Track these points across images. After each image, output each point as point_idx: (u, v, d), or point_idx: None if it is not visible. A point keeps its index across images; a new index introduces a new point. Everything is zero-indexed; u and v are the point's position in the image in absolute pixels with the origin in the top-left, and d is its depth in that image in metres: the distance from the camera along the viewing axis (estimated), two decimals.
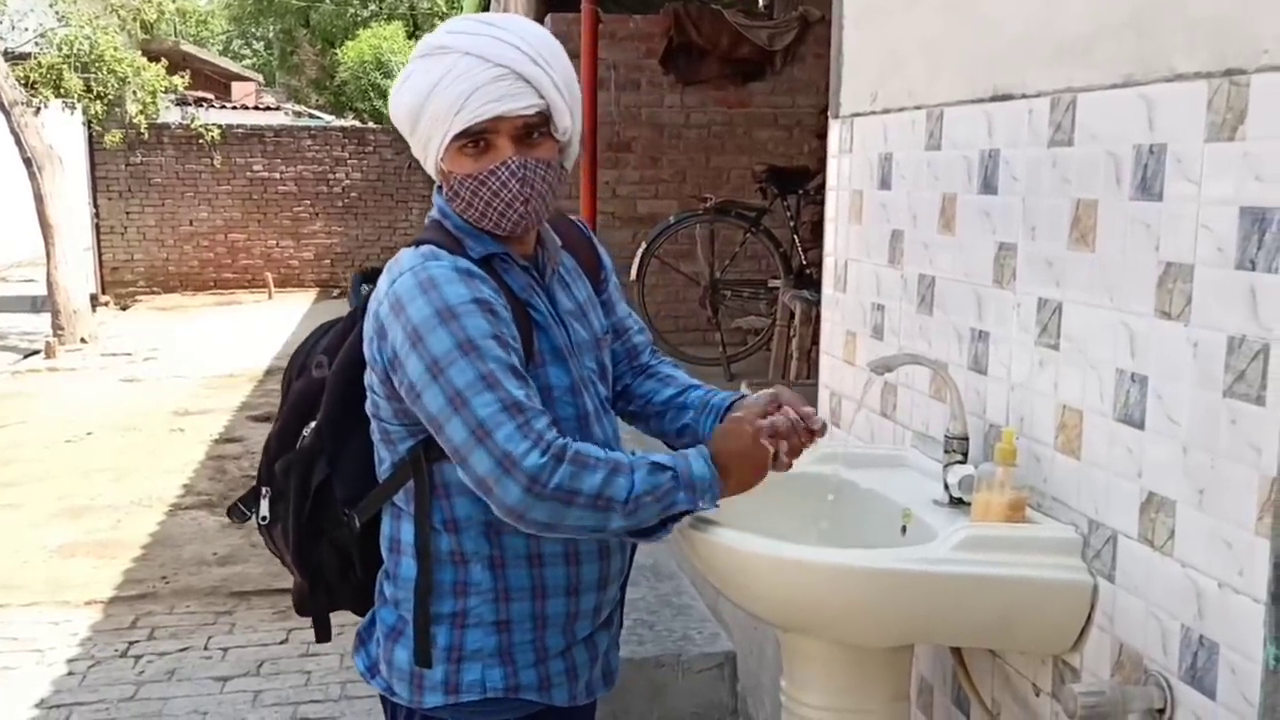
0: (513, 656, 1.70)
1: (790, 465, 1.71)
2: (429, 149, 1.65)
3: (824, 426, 1.74)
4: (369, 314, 1.66)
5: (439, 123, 1.61)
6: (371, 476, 1.74)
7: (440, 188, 1.72)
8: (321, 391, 1.77)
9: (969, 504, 1.90)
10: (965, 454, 1.97)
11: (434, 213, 1.73)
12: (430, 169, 1.69)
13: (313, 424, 1.79)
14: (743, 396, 1.85)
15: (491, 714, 1.72)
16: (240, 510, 1.88)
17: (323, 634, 1.90)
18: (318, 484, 1.77)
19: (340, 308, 1.88)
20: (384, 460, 1.71)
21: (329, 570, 1.83)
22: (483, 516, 1.65)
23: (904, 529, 1.98)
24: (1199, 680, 1.52)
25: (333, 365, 1.77)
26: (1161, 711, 1.58)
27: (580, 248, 1.88)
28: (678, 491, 1.59)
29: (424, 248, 1.64)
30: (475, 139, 1.61)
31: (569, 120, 1.67)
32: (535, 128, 1.63)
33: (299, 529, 1.79)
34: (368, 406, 1.70)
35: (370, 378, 1.66)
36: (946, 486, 1.96)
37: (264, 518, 1.83)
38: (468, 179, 1.63)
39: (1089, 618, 1.76)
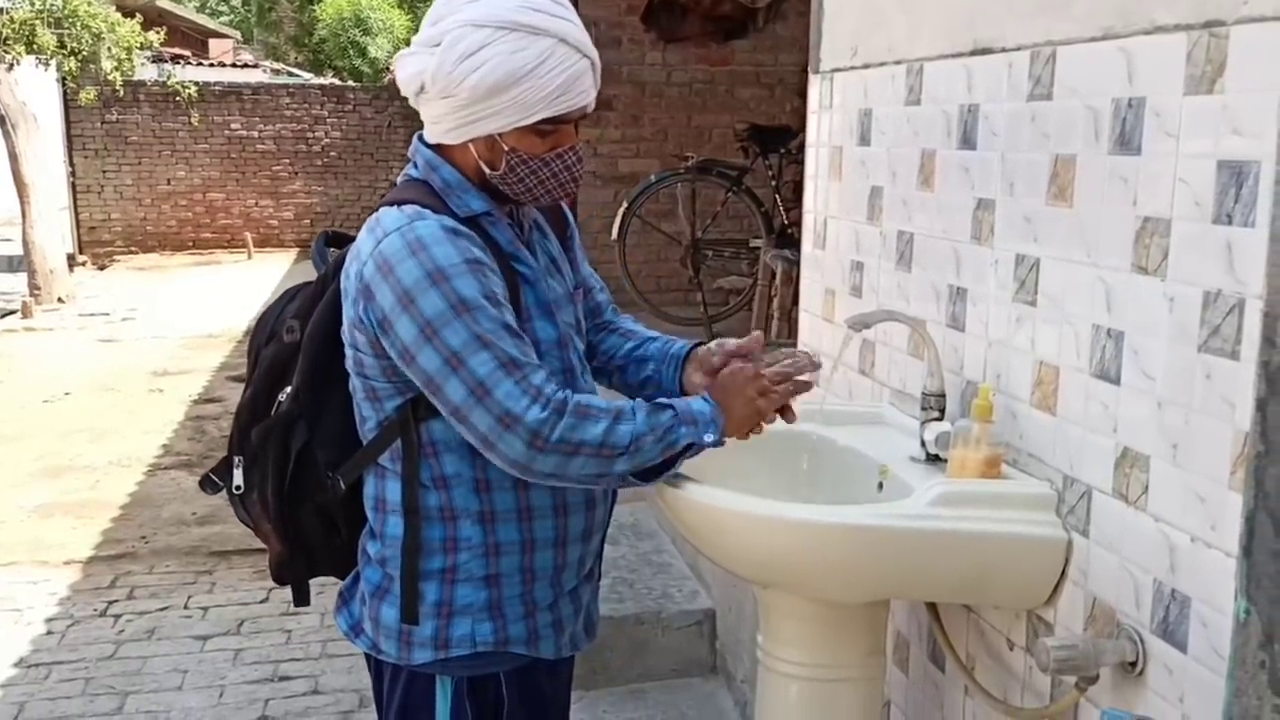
0: (502, 610, 1.71)
1: (789, 400, 1.77)
2: (487, 121, 1.62)
3: (817, 363, 1.80)
4: (349, 274, 1.64)
5: (531, 105, 1.60)
6: (353, 439, 1.73)
7: (424, 142, 1.70)
8: (294, 357, 1.75)
9: (946, 460, 1.90)
10: (942, 411, 1.98)
11: (415, 170, 1.71)
12: (460, 134, 1.65)
13: (288, 389, 1.76)
14: (700, 343, 1.89)
15: (480, 668, 1.73)
16: (212, 481, 1.86)
17: (302, 599, 1.90)
18: (298, 449, 1.76)
19: None
20: (368, 419, 1.70)
21: (311, 535, 1.82)
22: (472, 473, 1.66)
23: (881, 485, 1.99)
24: (1170, 633, 1.53)
25: (306, 330, 1.74)
26: (1133, 664, 1.59)
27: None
28: (680, 427, 1.64)
29: (408, 208, 1.62)
30: (555, 123, 1.63)
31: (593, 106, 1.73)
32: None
33: (280, 496, 1.77)
34: (349, 364, 1.69)
35: (354, 336, 1.65)
36: (923, 443, 1.96)
37: (238, 487, 1.81)
38: (532, 159, 1.64)
39: (1063, 572, 1.77)
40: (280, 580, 1.88)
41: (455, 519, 1.69)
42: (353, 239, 1.73)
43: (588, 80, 1.64)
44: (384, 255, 1.58)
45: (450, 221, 1.61)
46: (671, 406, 1.65)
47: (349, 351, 1.68)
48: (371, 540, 1.76)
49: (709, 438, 1.66)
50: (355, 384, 1.70)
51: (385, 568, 1.73)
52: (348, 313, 1.65)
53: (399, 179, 1.75)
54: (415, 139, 1.74)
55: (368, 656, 1.81)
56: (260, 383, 1.79)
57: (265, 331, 1.83)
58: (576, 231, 1.94)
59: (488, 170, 1.67)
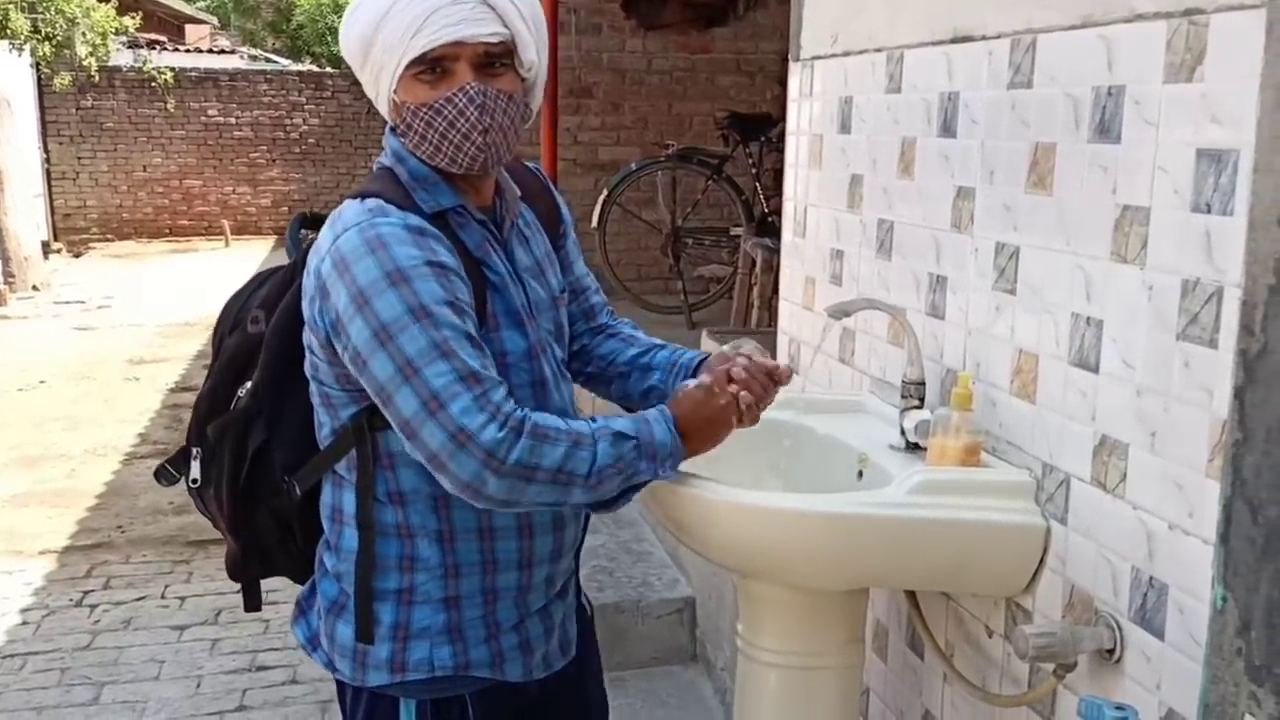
0: (462, 634, 1.62)
1: (757, 418, 1.65)
2: (381, 81, 1.55)
3: (789, 373, 1.70)
4: (309, 270, 1.55)
5: (393, 49, 1.51)
6: (313, 442, 1.65)
7: (394, 129, 1.61)
8: (257, 349, 1.66)
9: (925, 449, 1.90)
10: (922, 399, 1.98)
11: (385, 158, 1.62)
12: (383, 105, 1.58)
13: (248, 384, 1.67)
14: (708, 355, 1.79)
15: (440, 691, 1.64)
16: (169, 472, 1.78)
17: (252, 602, 1.81)
18: (255, 448, 1.66)
19: None
20: (324, 425, 1.62)
21: (266, 538, 1.73)
22: (430, 490, 1.57)
23: (860, 474, 1.99)
24: (1148, 621, 1.53)
25: (271, 321, 1.65)
26: (1111, 652, 1.60)
27: (539, 199, 1.78)
28: (640, 461, 1.53)
29: (370, 201, 1.53)
30: (432, 65, 1.51)
31: (534, 54, 1.58)
32: (498, 57, 1.54)
33: (234, 496, 1.68)
34: (306, 368, 1.60)
35: (309, 338, 1.57)
36: (903, 431, 1.96)
37: (194, 480, 1.72)
38: (422, 108, 1.53)
39: (1041, 560, 1.77)
40: (234, 578, 1.80)
41: (412, 537, 1.60)
42: None
43: (460, 12, 1.49)
44: (341, 252, 1.49)
45: (415, 220, 1.52)
46: (635, 437, 1.53)
47: (306, 355, 1.59)
48: (328, 552, 1.68)
49: (664, 472, 1.58)
50: (312, 389, 1.61)
51: (341, 583, 1.65)
52: (305, 311, 1.56)
53: (374, 166, 1.67)
54: (388, 127, 1.65)
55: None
56: (221, 374, 1.71)
57: (230, 319, 1.74)
58: (571, 228, 1.84)
59: (402, 139, 1.59)
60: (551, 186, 1.85)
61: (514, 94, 1.57)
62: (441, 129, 1.54)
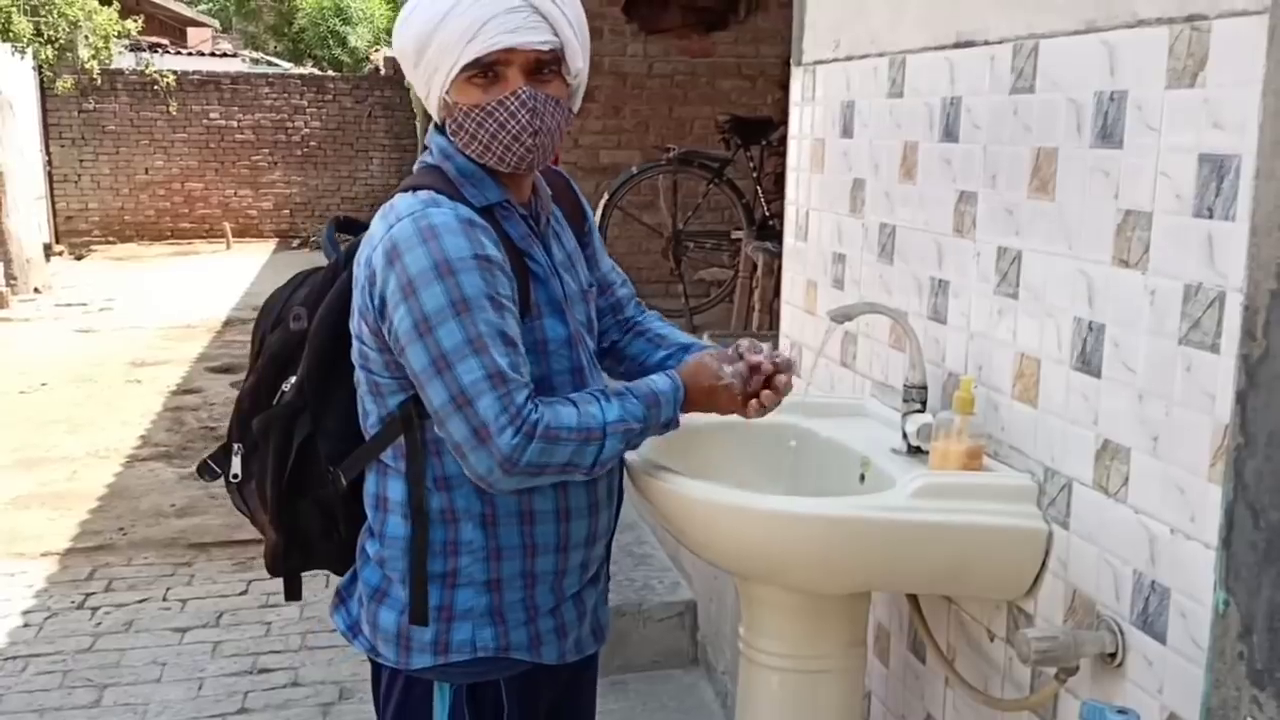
0: (504, 615, 1.68)
1: (764, 406, 1.73)
2: (434, 81, 1.61)
3: (786, 362, 1.76)
4: (360, 260, 1.62)
5: (448, 51, 1.57)
6: (356, 433, 1.70)
7: (440, 128, 1.68)
8: (300, 345, 1.72)
9: (927, 453, 1.90)
10: (924, 403, 1.98)
11: (430, 156, 1.69)
12: (433, 104, 1.65)
13: (292, 379, 1.73)
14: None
15: (480, 674, 1.69)
16: (210, 468, 1.83)
17: (293, 593, 1.86)
18: (300, 441, 1.72)
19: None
20: (370, 414, 1.67)
21: (309, 529, 1.79)
22: None
23: (863, 477, 1.99)
24: (1150, 625, 1.54)
25: (314, 319, 1.71)
26: (1113, 655, 1.60)
27: (564, 197, 1.85)
28: (638, 438, 1.66)
29: (422, 193, 1.60)
30: (485, 70, 1.58)
31: (580, 62, 1.66)
32: (547, 64, 1.61)
33: (279, 488, 1.74)
34: (354, 356, 1.66)
35: (359, 326, 1.62)
36: (905, 435, 1.96)
37: (235, 475, 1.79)
38: (475, 110, 1.60)
39: (1043, 564, 1.77)
40: (274, 572, 1.84)
41: (456, 521, 1.65)
42: (363, 224, 1.71)
43: (515, 19, 1.56)
44: (394, 240, 1.55)
45: (466, 211, 1.58)
46: (643, 422, 1.64)
47: (354, 344, 1.65)
48: (370, 539, 1.72)
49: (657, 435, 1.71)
50: (359, 377, 1.66)
51: (384, 569, 1.70)
52: (355, 300, 1.62)
53: (415, 165, 1.73)
54: (431, 126, 1.72)
55: (369, 657, 1.77)
56: (264, 370, 1.76)
57: (272, 317, 1.79)
58: (595, 226, 1.91)
59: (452, 137, 1.65)
60: (575, 186, 1.91)
61: (561, 99, 1.64)
62: (492, 130, 1.60)
